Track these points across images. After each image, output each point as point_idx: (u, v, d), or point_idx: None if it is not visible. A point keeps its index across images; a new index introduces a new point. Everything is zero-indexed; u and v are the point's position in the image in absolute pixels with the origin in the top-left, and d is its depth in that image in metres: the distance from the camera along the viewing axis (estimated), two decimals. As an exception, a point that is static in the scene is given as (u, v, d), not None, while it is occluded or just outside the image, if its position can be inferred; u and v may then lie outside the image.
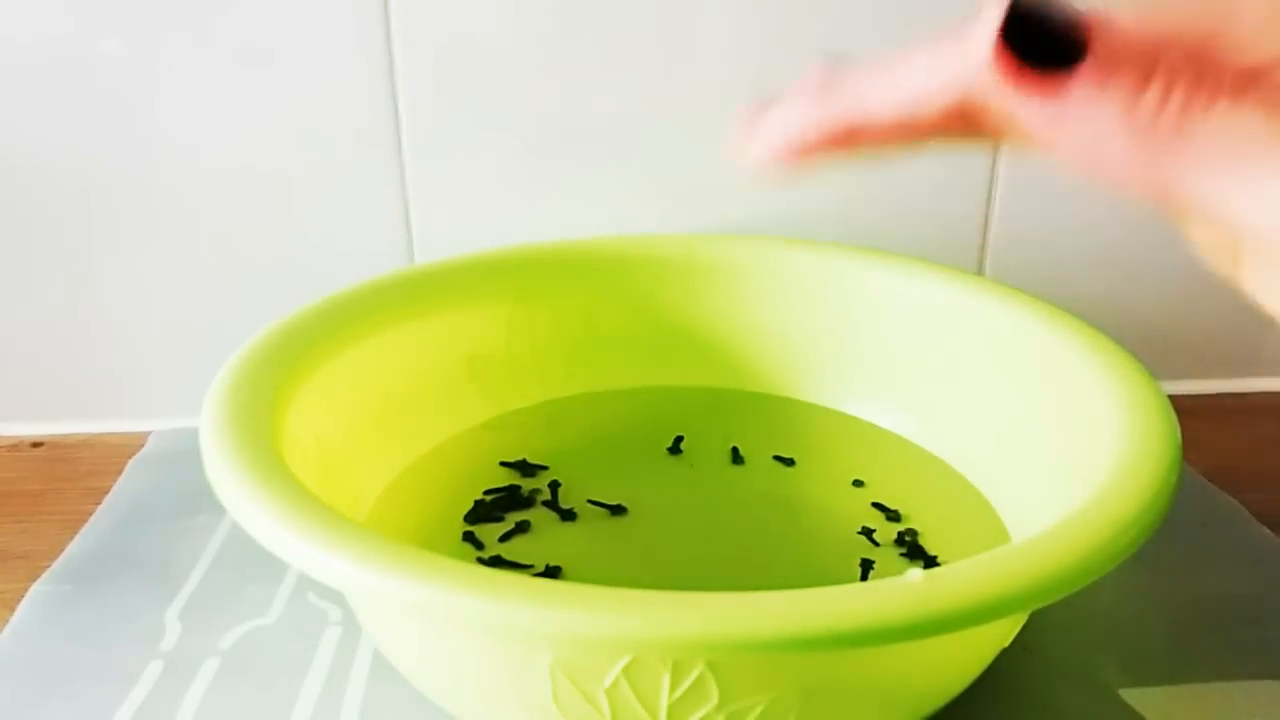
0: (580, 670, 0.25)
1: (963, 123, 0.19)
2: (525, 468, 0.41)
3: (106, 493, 0.43)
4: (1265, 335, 0.52)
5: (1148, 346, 0.38)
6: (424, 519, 0.38)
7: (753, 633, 0.23)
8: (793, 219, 0.48)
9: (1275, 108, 0.16)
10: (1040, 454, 0.36)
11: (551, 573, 0.35)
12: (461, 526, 0.37)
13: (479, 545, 0.37)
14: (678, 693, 0.25)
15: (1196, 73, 0.16)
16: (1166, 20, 0.17)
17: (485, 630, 0.25)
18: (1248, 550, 0.40)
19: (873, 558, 0.36)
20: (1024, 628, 0.30)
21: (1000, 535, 0.36)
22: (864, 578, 0.35)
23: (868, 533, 0.37)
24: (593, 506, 0.38)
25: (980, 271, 0.50)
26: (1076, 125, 0.17)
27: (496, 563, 0.35)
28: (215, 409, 0.31)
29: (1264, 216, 0.16)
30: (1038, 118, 0.17)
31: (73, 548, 0.40)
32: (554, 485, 0.40)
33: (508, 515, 0.38)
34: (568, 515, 0.38)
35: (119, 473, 0.45)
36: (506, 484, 0.40)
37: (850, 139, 0.20)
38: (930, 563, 0.36)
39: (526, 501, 0.39)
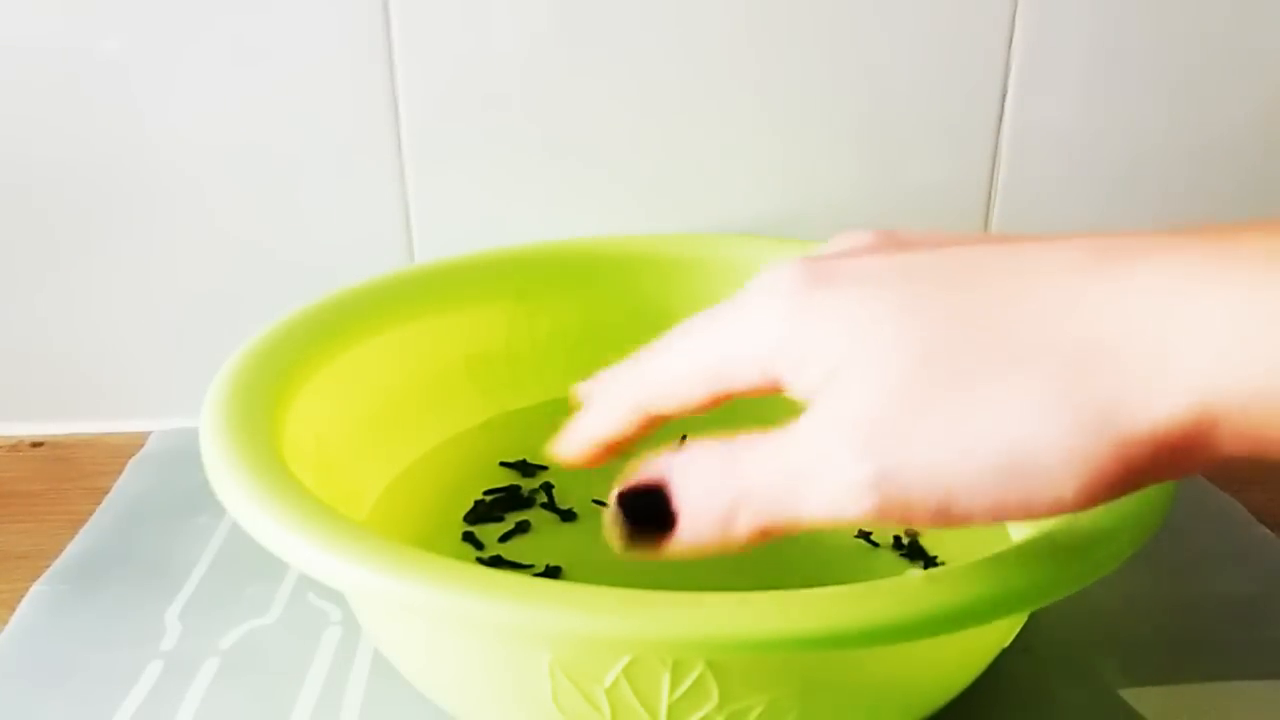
0: (580, 670, 0.25)
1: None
2: (525, 468, 0.41)
3: (106, 493, 0.43)
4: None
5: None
6: (424, 519, 0.38)
7: (753, 632, 0.23)
8: (793, 219, 0.48)
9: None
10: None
11: (552, 573, 0.35)
12: (461, 526, 0.37)
13: (479, 545, 0.36)
14: (678, 693, 0.25)
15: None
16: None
17: (485, 630, 0.25)
18: (1248, 550, 0.40)
19: (872, 558, 0.36)
20: (1024, 628, 0.30)
21: (1000, 535, 0.36)
22: (864, 579, 0.35)
23: (867, 534, 0.37)
24: (592, 506, 0.38)
25: (980, 271, 0.50)
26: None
27: (496, 563, 0.35)
28: (215, 409, 0.31)
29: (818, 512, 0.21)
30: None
31: (73, 548, 0.40)
32: (550, 487, 0.39)
33: (508, 515, 0.38)
34: (568, 515, 0.38)
35: (119, 473, 0.45)
36: (506, 484, 0.40)
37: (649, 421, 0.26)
38: (930, 563, 0.36)
39: (526, 501, 0.39)
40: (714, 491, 0.22)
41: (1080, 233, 0.22)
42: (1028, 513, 0.20)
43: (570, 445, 0.28)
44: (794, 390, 0.22)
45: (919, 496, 0.20)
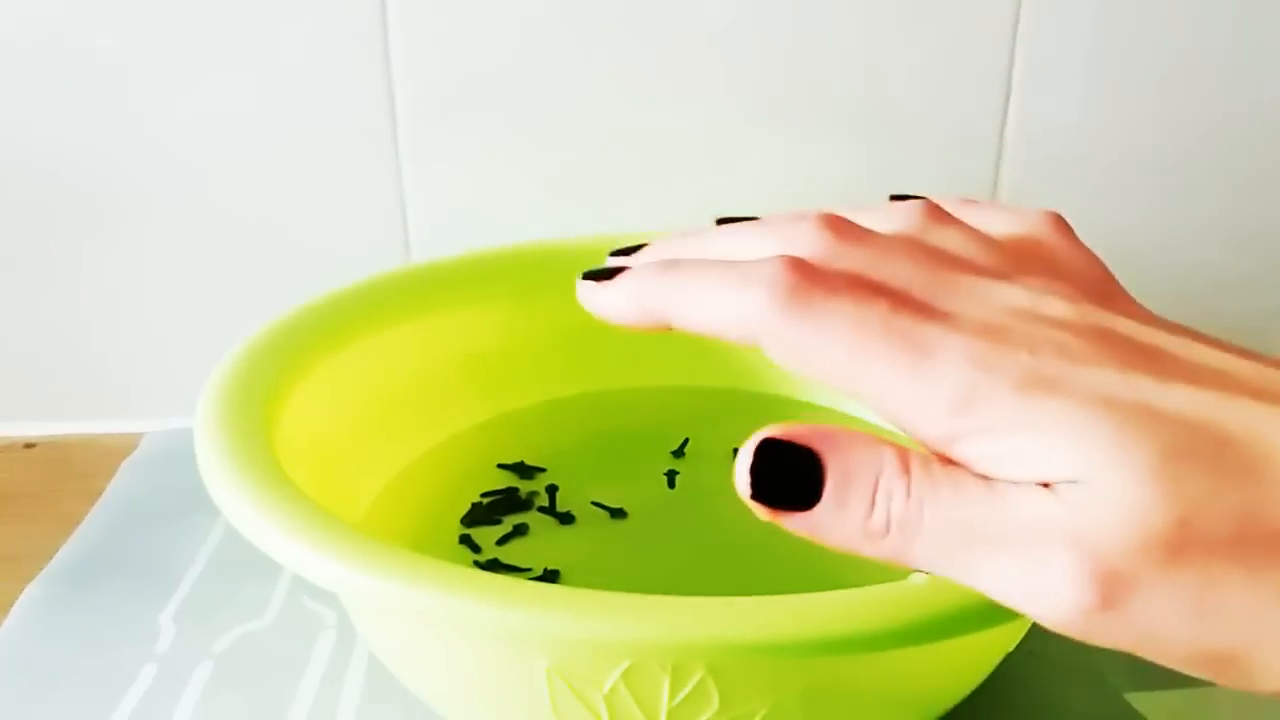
0: (578, 675, 0.25)
1: None
2: (523, 469, 0.40)
3: (100, 494, 0.43)
4: (1271, 332, 0.52)
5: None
6: (420, 521, 0.37)
7: (754, 637, 0.23)
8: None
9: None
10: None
11: (549, 576, 0.35)
12: (458, 529, 0.37)
13: (476, 548, 0.36)
14: (678, 698, 0.25)
15: (914, 472, 0.19)
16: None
17: (481, 635, 0.25)
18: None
19: (876, 561, 0.35)
20: (1029, 631, 0.30)
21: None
22: (867, 582, 0.34)
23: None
24: (591, 509, 0.38)
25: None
26: (826, 535, 0.20)
27: (494, 566, 0.35)
28: (209, 409, 0.31)
29: (1008, 595, 0.19)
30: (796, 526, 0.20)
31: (66, 550, 0.40)
32: (552, 488, 0.39)
33: (505, 518, 0.38)
34: (566, 518, 0.38)
35: (112, 474, 0.44)
36: (504, 486, 0.39)
37: (664, 329, 0.23)
38: (933, 565, 0.35)
39: (524, 504, 0.38)
40: (883, 496, 0.20)
41: None
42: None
43: (585, 298, 0.26)
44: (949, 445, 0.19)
45: (1119, 638, 0.18)
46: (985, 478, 0.19)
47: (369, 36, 0.44)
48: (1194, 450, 0.18)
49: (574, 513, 0.38)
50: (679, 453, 0.41)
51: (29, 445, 0.48)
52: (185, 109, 0.45)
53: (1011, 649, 0.30)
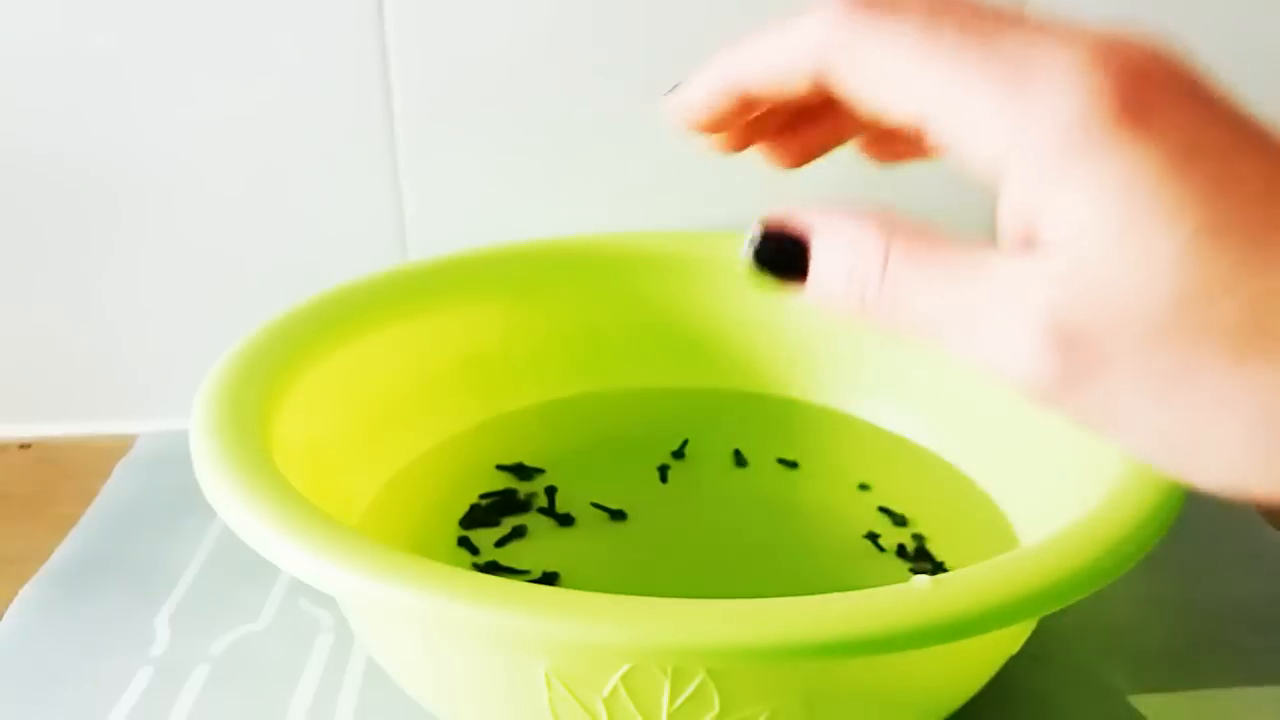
0: (577, 679, 0.25)
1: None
2: (522, 471, 0.40)
3: (95, 495, 0.43)
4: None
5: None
6: (418, 523, 0.37)
7: (755, 641, 0.23)
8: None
9: None
10: (1049, 456, 0.35)
11: (548, 579, 0.35)
12: (456, 531, 0.37)
13: (474, 550, 0.36)
14: (678, 701, 0.25)
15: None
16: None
17: (480, 638, 0.25)
18: (1259, 554, 0.39)
19: (878, 563, 0.35)
20: (1032, 634, 0.30)
21: (1009, 539, 0.36)
22: (869, 584, 0.34)
23: (873, 538, 0.36)
24: (591, 511, 0.38)
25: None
26: (821, 306, 0.21)
27: (492, 569, 0.35)
28: (205, 410, 0.31)
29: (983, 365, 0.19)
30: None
31: (61, 551, 0.39)
32: (551, 490, 0.39)
33: (504, 520, 0.38)
34: (565, 520, 0.38)
35: (108, 475, 0.44)
36: (503, 487, 0.39)
37: (741, 102, 0.23)
38: (938, 568, 0.35)
39: (523, 506, 0.38)
40: (857, 280, 0.20)
41: None
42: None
43: (668, 109, 0.25)
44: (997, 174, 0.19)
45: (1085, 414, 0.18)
46: (973, 250, 0.19)
47: (366, 34, 0.44)
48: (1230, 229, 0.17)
49: (573, 514, 0.38)
50: (679, 454, 0.41)
51: (24, 446, 0.48)
52: (181, 109, 0.45)
53: (1014, 652, 0.30)
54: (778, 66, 0.22)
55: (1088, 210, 0.17)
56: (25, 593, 0.37)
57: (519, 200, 0.47)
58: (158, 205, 0.46)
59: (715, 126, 0.24)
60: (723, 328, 0.45)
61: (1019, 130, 0.18)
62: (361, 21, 0.44)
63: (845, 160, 0.49)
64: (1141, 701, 0.33)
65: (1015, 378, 0.18)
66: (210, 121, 0.45)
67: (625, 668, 0.25)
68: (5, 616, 0.36)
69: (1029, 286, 0.18)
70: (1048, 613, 0.25)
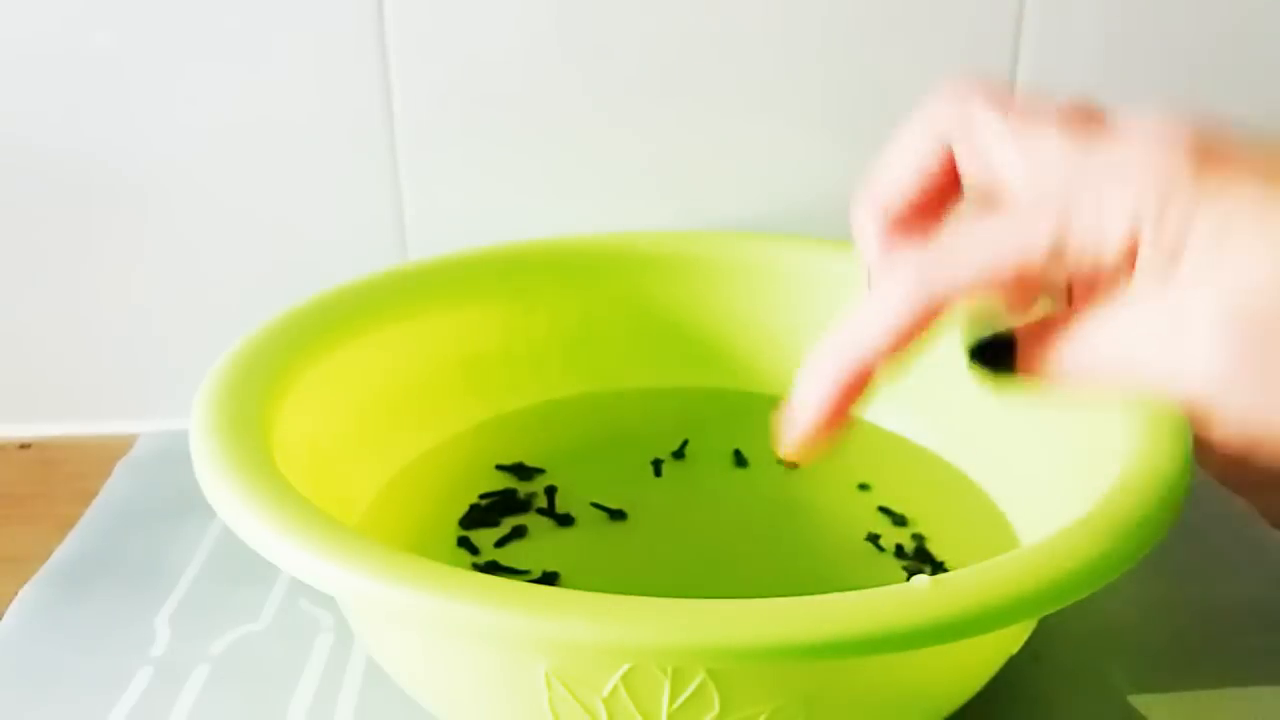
0: (577, 678, 0.25)
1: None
2: (522, 471, 0.40)
3: (95, 496, 0.43)
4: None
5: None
6: (418, 523, 0.37)
7: (755, 641, 0.23)
8: (796, 216, 0.47)
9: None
10: (1049, 456, 0.35)
11: (548, 579, 0.35)
12: (456, 531, 0.37)
13: (474, 550, 0.36)
14: (678, 701, 0.25)
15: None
16: None
17: (479, 638, 0.25)
18: (1259, 554, 0.39)
19: (878, 563, 0.35)
20: (1032, 634, 0.30)
21: (1009, 539, 0.36)
22: (869, 584, 0.34)
23: (874, 538, 0.36)
24: (591, 511, 0.38)
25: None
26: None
27: (492, 568, 0.35)
28: (205, 410, 0.31)
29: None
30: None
31: (60, 552, 0.39)
32: (551, 489, 0.39)
33: (504, 520, 0.38)
34: (565, 520, 0.38)
35: (107, 475, 0.44)
36: (503, 487, 0.39)
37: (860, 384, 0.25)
38: (938, 568, 0.35)
39: (523, 505, 0.38)
40: (1067, 363, 0.22)
41: None
42: None
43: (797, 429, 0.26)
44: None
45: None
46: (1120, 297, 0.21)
47: (366, 34, 0.44)
48: None
49: (573, 514, 0.38)
50: (679, 453, 0.41)
51: (24, 446, 0.48)
52: (181, 109, 0.45)
53: (1015, 652, 0.30)
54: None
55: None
56: (25, 593, 0.37)
57: (519, 200, 0.47)
58: (158, 205, 0.46)
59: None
60: (723, 328, 0.45)
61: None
62: (361, 21, 0.44)
63: (848, 158, 0.49)
64: (1141, 701, 0.32)
65: (1198, 374, 0.20)
66: (210, 121, 0.45)
67: (625, 668, 0.24)
68: (5, 616, 0.36)
69: (1199, 300, 0.20)
70: (1048, 613, 0.25)
